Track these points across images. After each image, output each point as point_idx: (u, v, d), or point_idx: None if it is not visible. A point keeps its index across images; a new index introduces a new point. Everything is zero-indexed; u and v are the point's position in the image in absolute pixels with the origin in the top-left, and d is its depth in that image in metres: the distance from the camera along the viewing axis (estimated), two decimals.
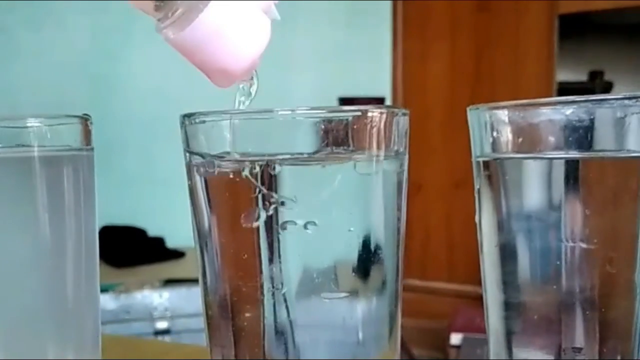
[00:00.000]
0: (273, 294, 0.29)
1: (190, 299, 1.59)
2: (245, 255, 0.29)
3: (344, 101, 2.09)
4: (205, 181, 0.30)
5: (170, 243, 1.91)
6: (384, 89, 2.26)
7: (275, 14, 0.30)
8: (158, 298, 1.57)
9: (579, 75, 2.19)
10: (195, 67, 0.29)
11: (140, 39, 2.00)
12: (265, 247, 0.29)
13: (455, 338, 1.70)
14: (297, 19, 2.10)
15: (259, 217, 0.28)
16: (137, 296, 1.56)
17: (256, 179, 0.28)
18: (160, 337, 1.53)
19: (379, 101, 2.20)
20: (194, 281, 1.63)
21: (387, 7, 2.28)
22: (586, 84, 2.15)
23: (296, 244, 0.29)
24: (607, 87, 2.12)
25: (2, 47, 1.95)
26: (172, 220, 2.01)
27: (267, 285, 0.29)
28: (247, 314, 0.30)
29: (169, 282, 1.62)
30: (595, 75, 2.15)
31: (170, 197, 2.07)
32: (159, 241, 1.92)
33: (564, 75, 2.09)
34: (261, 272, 0.29)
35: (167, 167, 2.01)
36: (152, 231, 1.93)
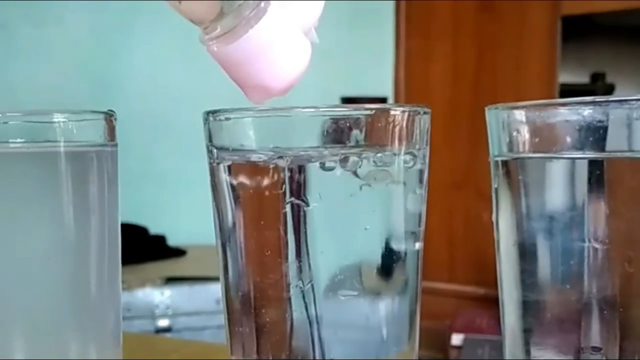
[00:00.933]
0: (300, 291, 0.29)
1: (192, 297, 1.59)
2: (269, 252, 0.29)
3: (347, 101, 2.10)
4: (230, 177, 0.30)
5: (172, 241, 1.91)
6: (387, 89, 2.27)
7: (314, 37, 0.30)
8: (159, 296, 1.57)
9: (581, 77, 2.19)
10: (232, 81, 0.29)
11: (141, 36, 2.00)
12: (292, 244, 0.29)
13: (457, 338, 1.70)
14: None
15: (285, 213, 0.28)
16: (138, 294, 1.56)
17: (283, 175, 0.28)
18: (161, 335, 1.53)
19: (381, 101, 2.20)
20: (196, 279, 1.63)
21: (390, 6, 2.28)
22: (588, 86, 2.16)
23: (321, 240, 0.29)
24: (609, 89, 2.12)
25: (2, 44, 1.94)
26: (173, 219, 2.01)
27: (292, 283, 0.29)
28: (271, 311, 0.31)
29: (171, 280, 1.62)
30: (597, 77, 2.16)
31: (171, 195, 2.08)
32: (160, 239, 1.92)
33: (566, 76, 2.09)
34: (286, 268, 0.29)
35: (168, 165, 2.01)
36: (154, 229, 1.93)
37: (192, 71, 1.99)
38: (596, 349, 0.31)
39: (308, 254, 0.29)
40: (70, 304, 0.29)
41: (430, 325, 2.05)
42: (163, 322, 1.56)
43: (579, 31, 2.05)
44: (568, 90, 2.05)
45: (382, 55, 2.28)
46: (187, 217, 1.99)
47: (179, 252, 1.85)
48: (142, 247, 1.83)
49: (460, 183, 2.08)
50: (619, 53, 2.15)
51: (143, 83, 2.01)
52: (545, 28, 2.05)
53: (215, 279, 1.70)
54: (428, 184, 0.33)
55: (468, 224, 2.04)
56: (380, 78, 2.28)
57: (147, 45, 2.01)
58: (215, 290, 1.60)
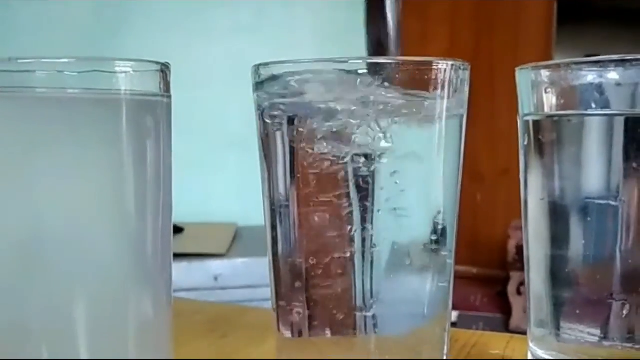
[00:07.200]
0: (363, 253, 0.30)
1: (190, 273, 1.59)
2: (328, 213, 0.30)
3: None
4: (286, 131, 0.31)
5: None
6: None
7: None
8: None
9: None
10: None
11: (142, 15, 1.99)
12: (354, 198, 0.30)
13: (451, 315, 1.72)
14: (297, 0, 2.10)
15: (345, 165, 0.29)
16: None
17: (337, 122, 0.29)
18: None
19: None
20: (194, 256, 1.63)
21: None
22: None
23: (378, 197, 0.30)
24: None
25: (3, 20, 1.93)
26: None
27: (355, 244, 0.30)
28: (325, 277, 0.32)
29: None
30: None
31: None
32: None
33: (561, 59, 2.10)
34: (347, 227, 0.30)
35: None
36: None
37: (191, 51, 1.98)
38: (623, 300, 0.32)
39: (374, 217, 0.30)
40: (130, 250, 0.30)
41: None
42: None
43: (574, 14, 2.06)
44: None
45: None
46: (184, 194, 1.99)
47: (176, 229, 1.85)
48: None
49: None
50: (613, 36, 2.17)
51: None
52: (541, 11, 2.06)
53: (212, 256, 1.69)
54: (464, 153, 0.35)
55: (462, 204, 2.05)
56: None
57: (146, 23, 2.00)
58: (214, 267, 1.61)
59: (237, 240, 1.78)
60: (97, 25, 2.00)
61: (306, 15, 2.11)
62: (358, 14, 2.21)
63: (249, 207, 1.72)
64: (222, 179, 2.01)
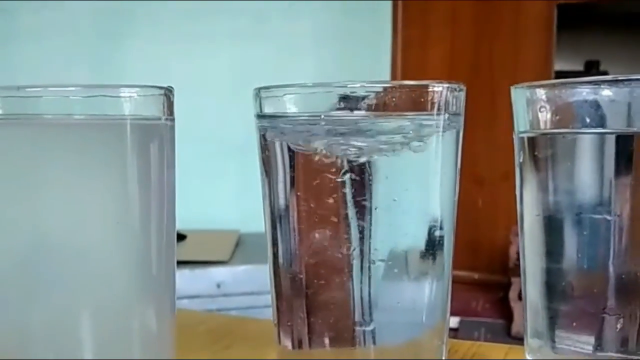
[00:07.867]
0: (361, 268, 0.31)
1: (193, 280, 1.60)
2: (321, 220, 0.31)
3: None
4: (287, 150, 0.32)
5: None
6: (384, 76, 2.28)
7: None
8: None
9: (575, 65, 2.21)
10: None
11: (142, 21, 2.00)
12: (353, 216, 0.31)
13: (453, 321, 1.73)
14: (297, 4, 2.11)
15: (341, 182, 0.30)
16: None
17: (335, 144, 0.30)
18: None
19: None
20: (196, 263, 1.64)
21: None
22: (582, 74, 2.18)
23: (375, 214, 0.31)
24: None
25: (2, 28, 1.94)
26: None
27: (354, 259, 0.31)
28: (325, 291, 0.32)
29: None
30: (591, 65, 2.18)
31: None
32: None
33: (560, 64, 2.11)
34: (346, 243, 0.31)
35: None
36: None
37: (192, 58, 1.99)
38: (619, 316, 0.33)
39: (372, 229, 0.31)
40: (133, 267, 0.31)
41: None
42: None
43: (574, 19, 2.07)
44: (562, 78, 2.06)
45: (380, 43, 2.29)
46: (187, 202, 2.00)
47: (179, 237, 1.86)
48: None
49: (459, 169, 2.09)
50: (612, 41, 2.17)
51: (143, 69, 2.01)
52: (541, 16, 2.07)
53: (215, 263, 1.69)
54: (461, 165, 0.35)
55: (463, 209, 2.05)
56: (377, 65, 2.29)
57: (147, 30, 2.01)
58: (216, 274, 1.62)
59: (239, 248, 1.78)
60: (98, 34, 2.01)
61: (306, 20, 2.12)
62: (358, 19, 2.22)
63: (251, 214, 1.73)
64: (224, 186, 2.02)
